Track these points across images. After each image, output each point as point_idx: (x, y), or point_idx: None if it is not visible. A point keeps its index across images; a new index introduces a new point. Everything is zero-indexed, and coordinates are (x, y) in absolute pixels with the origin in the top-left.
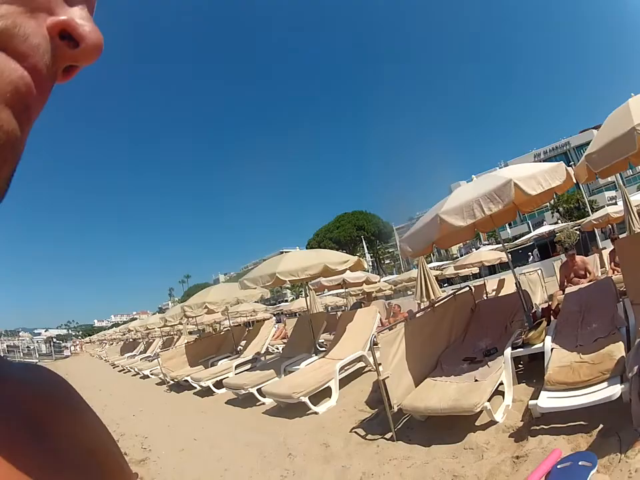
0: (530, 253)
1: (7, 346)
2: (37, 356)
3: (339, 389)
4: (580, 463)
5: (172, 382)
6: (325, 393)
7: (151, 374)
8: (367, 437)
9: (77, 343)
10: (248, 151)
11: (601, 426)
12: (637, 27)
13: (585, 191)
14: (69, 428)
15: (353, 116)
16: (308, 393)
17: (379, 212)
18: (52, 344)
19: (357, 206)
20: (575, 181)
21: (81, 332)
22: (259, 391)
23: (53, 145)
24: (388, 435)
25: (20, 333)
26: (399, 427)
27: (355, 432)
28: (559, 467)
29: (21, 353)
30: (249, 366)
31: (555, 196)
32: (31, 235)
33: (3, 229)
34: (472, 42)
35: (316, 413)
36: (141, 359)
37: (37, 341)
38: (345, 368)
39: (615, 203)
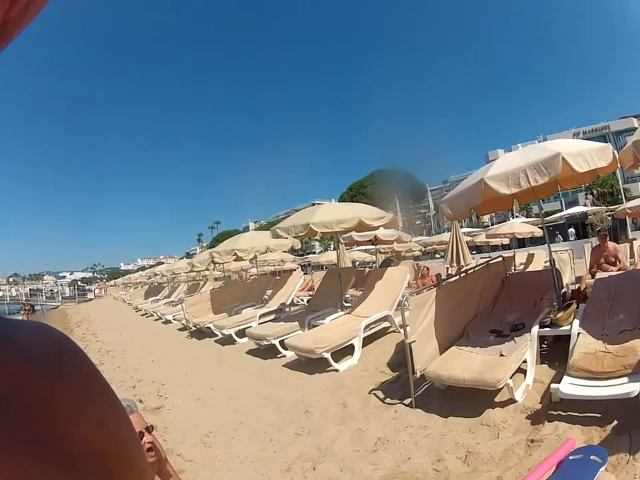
0: (557, 232)
1: (30, 289)
2: (60, 299)
3: (362, 348)
4: (591, 457)
5: (194, 328)
6: (347, 351)
7: (174, 319)
8: (385, 401)
9: (102, 286)
10: (284, 100)
11: (615, 422)
12: None
13: (619, 177)
14: (74, 417)
15: (394, 72)
16: (330, 349)
17: (413, 171)
18: (76, 287)
19: (392, 164)
20: (618, 165)
21: (106, 275)
22: (281, 342)
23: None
24: (407, 401)
25: (44, 277)
26: (419, 393)
27: (374, 394)
28: (571, 457)
29: (44, 297)
30: (273, 316)
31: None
32: (59, 178)
33: (30, 174)
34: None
35: (336, 370)
36: (164, 304)
37: (61, 284)
38: (370, 327)
39: None
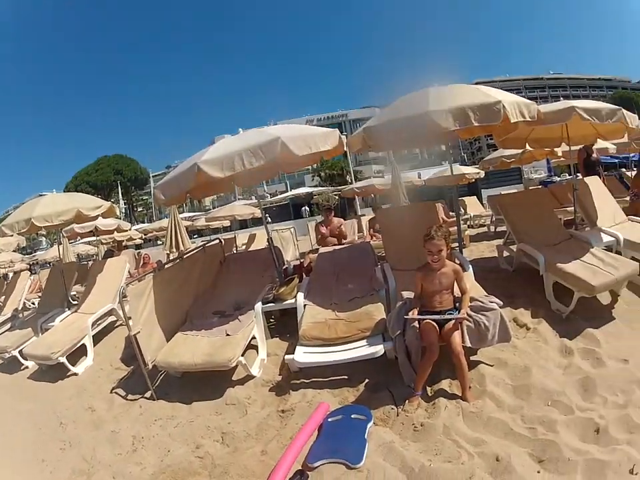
0: (267, 214)
1: None
2: None
3: (94, 346)
4: (352, 417)
5: None
6: (83, 351)
7: None
8: (128, 397)
9: None
10: None
11: (367, 380)
12: None
13: (352, 161)
14: None
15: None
16: (65, 352)
17: (138, 157)
18: None
19: (119, 149)
20: (346, 149)
21: None
22: (20, 352)
23: None
24: (148, 394)
25: None
26: (157, 384)
27: (116, 392)
28: (330, 420)
29: None
30: (9, 325)
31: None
32: None
33: None
34: None
35: (76, 374)
36: None
37: None
38: (98, 322)
39: (383, 176)
